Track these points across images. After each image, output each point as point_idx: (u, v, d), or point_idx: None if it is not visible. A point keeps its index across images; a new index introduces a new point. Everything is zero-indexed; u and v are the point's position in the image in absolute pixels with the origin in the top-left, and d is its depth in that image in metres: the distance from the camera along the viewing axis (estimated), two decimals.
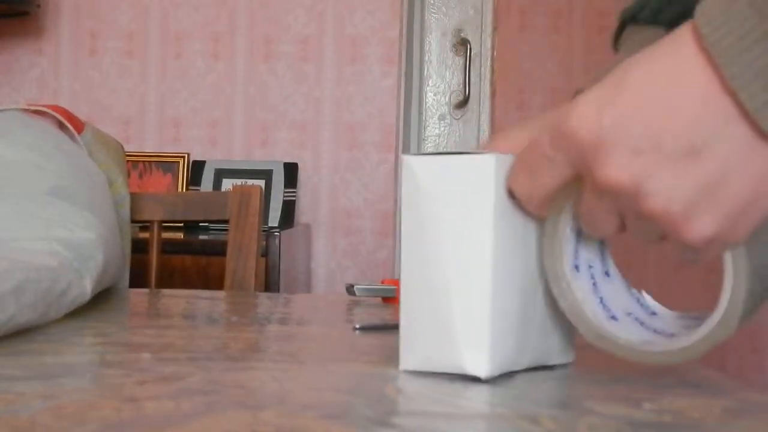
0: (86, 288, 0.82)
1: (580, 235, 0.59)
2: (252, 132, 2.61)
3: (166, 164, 2.57)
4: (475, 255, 0.57)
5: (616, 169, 0.50)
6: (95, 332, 0.74)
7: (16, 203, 0.88)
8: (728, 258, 0.53)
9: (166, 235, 1.57)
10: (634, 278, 1.88)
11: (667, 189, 0.50)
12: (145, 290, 1.08)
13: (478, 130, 2.81)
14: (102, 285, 0.89)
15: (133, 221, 1.26)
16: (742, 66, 0.47)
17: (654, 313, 0.61)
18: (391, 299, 0.99)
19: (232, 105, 2.62)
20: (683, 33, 0.50)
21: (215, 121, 2.62)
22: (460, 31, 2.79)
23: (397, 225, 2.69)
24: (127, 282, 1.17)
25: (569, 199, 0.57)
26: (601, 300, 0.60)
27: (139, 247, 1.32)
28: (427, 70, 2.80)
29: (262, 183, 2.47)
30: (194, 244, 2.14)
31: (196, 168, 2.53)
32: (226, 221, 1.34)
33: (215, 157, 2.60)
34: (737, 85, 0.47)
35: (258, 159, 2.60)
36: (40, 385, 0.54)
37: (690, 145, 0.49)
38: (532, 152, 0.55)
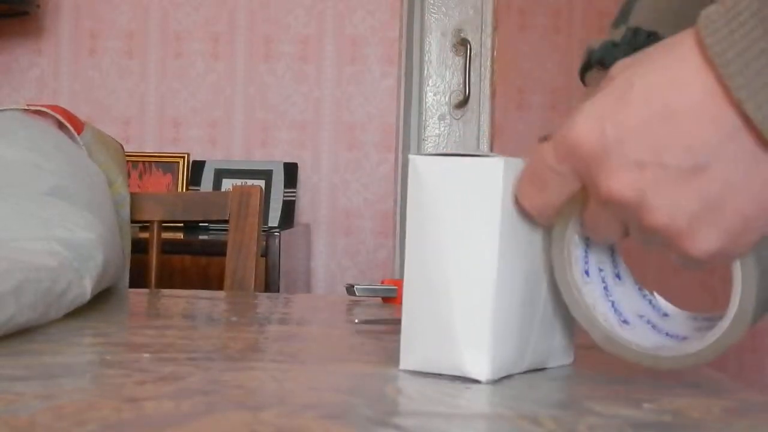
0: (86, 288, 0.82)
1: (588, 239, 0.59)
2: (252, 132, 2.61)
3: (166, 164, 2.57)
4: (480, 258, 0.57)
5: (620, 183, 0.50)
6: (95, 332, 0.74)
7: (16, 203, 0.88)
8: (737, 263, 0.53)
9: (166, 235, 1.57)
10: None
11: (670, 204, 0.49)
12: (145, 290, 1.08)
13: (478, 130, 2.81)
14: (102, 285, 0.89)
15: (133, 221, 1.26)
16: (747, 76, 0.47)
17: (666, 315, 0.61)
18: (391, 299, 0.99)
19: (231, 105, 2.62)
20: (685, 41, 0.49)
21: (215, 121, 2.62)
22: (460, 31, 2.79)
23: (397, 225, 2.69)
24: (127, 282, 1.17)
25: (576, 206, 0.56)
26: (613, 304, 0.59)
27: (139, 247, 1.32)
28: (427, 70, 2.80)
29: (262, 183, 2.47)
30: (194, 244, 2.14)
31: (196, 168, 2.53)
32: (226, 221, 1.34)
33: (215, 157, 2.60)
34: (743, 96, 0.47)
35: (258, 159, 2.60)
36: (40, 385, 0.54)
37: (694, 161, 0.48)
38: (539, 165, 0.55)
